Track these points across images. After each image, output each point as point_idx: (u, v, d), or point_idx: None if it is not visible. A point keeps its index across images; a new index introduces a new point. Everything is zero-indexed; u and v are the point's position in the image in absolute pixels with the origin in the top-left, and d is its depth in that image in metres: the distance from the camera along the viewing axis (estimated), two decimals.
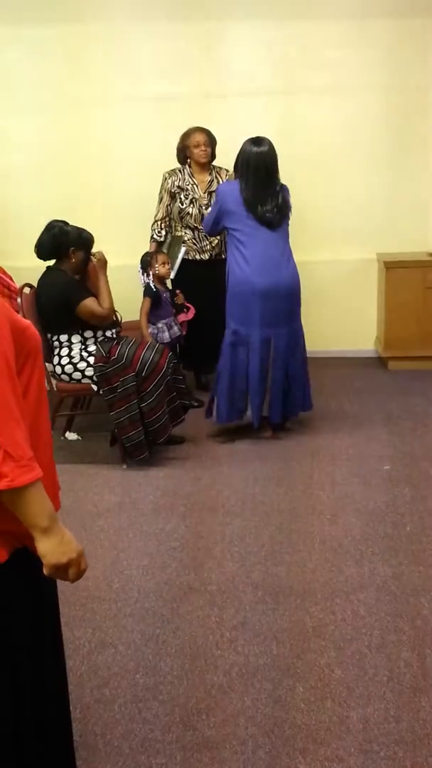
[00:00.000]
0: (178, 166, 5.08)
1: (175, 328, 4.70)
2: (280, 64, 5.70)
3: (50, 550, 1.44)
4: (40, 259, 4.07)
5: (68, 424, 4.57)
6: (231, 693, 2.32)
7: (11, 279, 1.60)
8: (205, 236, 4.99)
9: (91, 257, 4.15)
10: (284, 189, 4.20)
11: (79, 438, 4.48)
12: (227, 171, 5.02)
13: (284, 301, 4.15)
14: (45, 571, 1.47)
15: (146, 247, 5.11)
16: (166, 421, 4.06)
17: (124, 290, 5.28)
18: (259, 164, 4.08)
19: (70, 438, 4.48)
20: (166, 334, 4.62)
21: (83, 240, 4.06)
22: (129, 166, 5.78)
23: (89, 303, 3.98)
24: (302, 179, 5.75)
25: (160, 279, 4.72)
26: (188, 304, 4.86)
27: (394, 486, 3.75)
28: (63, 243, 4.00)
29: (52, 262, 4.13)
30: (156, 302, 4.64)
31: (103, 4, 5.61)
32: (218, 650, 2.52)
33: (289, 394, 4.30)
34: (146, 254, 4.82)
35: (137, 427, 3.97)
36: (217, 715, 2.23)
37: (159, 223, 5.11)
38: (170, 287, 4.90)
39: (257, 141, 4.13)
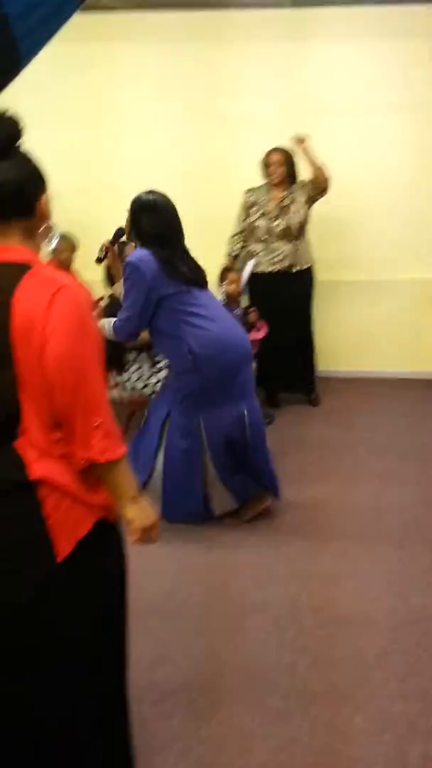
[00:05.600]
0: (259, 183, 5.14)
1: None
2: (358, 83, 5.67)
3: (138, 515, 1.67)
4: None
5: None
6: (288, 719, 2.31)
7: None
8: (276, 248, 5.06)
9: None
10: None
11: None
12: (303, 183, 5.07)
13: (248, 368, 3.61)
14: (134, 536, 1.69)
15: (212, 264, 5.12)
16: None
17: None
18: (171, 221, 3.41)
19: None
20: None
21: None
22: (206, 184, 5.83)
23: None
24: (375, 197, 5.72)
25: (232, 296, 4.75)
26: (260, 323, 4.87)
27: None
28: None
29: None
30: None
31: (181, 24, 5.70)
32: (278, 673, 2.51)
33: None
34: (222, 269, 4.88)
35: None
36: (273, 741, 2.22)
37: (235, 238, 5.19)
38: (243, 305, 4.92)
39: (143, 194, 3.43)
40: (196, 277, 3.32)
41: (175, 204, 3.37)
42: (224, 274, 4.84)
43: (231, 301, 4.77)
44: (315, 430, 4.87)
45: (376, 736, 2.23)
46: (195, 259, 3.40)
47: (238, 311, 4.79)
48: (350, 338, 5.96)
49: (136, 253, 3.27)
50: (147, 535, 1.70)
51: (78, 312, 1.53)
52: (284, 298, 5.08)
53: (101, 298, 4.19)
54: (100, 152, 6.03)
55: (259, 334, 4.91)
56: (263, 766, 2.12)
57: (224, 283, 4.77)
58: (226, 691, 2.42)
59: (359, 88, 5.68)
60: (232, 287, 4.76)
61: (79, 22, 5.70)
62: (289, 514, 3.67)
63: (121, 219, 5.76)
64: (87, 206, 5.93)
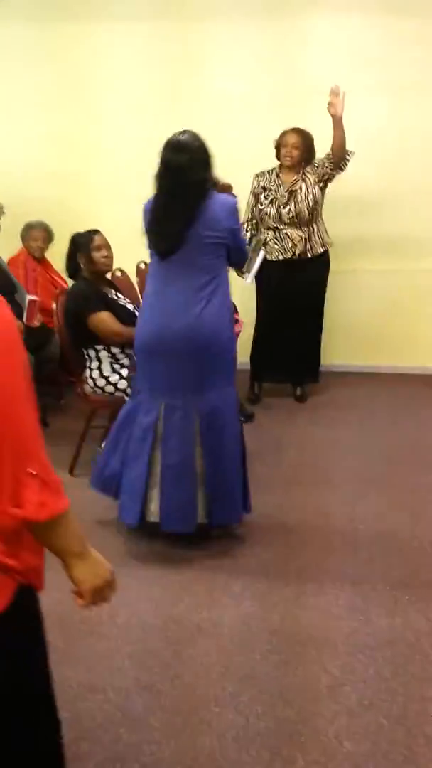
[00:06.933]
0: (269, 167, 4.90)
1: None
2: (372, 61, 5.36)
3: (87, 574, 1.37)
4: (70, 276, 4.00)
5: (106, 435, 4.38)
6: (221, 761, 2.06)
7: (63, 279, 1.43)
8: (287, 234, 4.84)
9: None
10: (211, 204, 2.94)
11: None
12: (315, 162, 4.81)
13: (174, 363, 2.98)
14: (83, 599, 1.39)
15: None
16: None
17: None
18: (167, 162, 2.97)
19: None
20: None
21: (81, 242, 3.82)
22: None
23: (104, 317, 3.72)
24: (383, 184, 5.41)
25: None
26: (237, 316, 4.61)
27: None
28: (72, 252, 3.85)
29: None
30: None
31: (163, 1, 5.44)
32: (217, 707, 2.26)
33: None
34: None
35: None
36: None
37: (244, 225, 4.93)
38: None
39: (181, 132, 3.01)
40: (160, 242, 2.97)
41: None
42: None
43: None
44: (297, 429, 4.61)
45: None
46: (187, 220, 2.90)
47: None
48: (349, 330, 5.69)
49: None
50: (99, 596, 1.39)
51: (5, 331, 1.23)
52: (296, 286, 4.89)
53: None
54: (78, 137, 5.79)
55: (236, 328, 4.66)
56: None
57: None
58: (156, 728, 2.17)
59: (366, 65, 5.35)
60: None
61: (54, 2, 5.54)
62: (250, 524, 3.40)
63: (98, 206, 5.55)
64: (63, 192, 5.70)
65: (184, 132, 2.97)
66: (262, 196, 4.86)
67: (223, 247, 2.98)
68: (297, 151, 4.75)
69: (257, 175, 4.91)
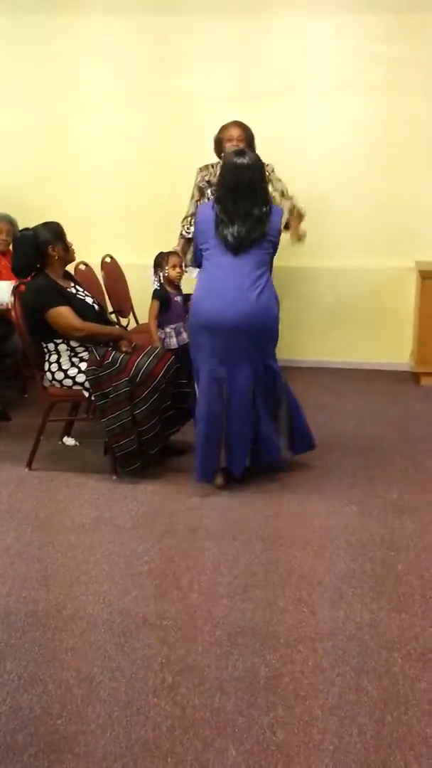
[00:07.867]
0: (214, 161, 4.85)
1: (184, 335, 4.46)
2: (322, 61, 5.41)
3: None
4: (23, 276, 3.93)
5: (68, 428, 4.40)
6: (154, 751, 2.09)
7: None
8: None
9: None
10: (272, 211, 3.63)
11: (77, 444, 4.31)
12: (276, 179, 4.78)
13: (235, 337, 3.54)
14: None
15: (167, 245, 4.89)
16: (160, 430, 3.85)
17: (140, 290, 5.14)
18: (234, 180, 3.58)
19: (67, 443, 4.31)
20: (174, 340, 4.39)
21: (54, 232, 3.85)
22: (153, 163, 5.62)
23: (63, 311, 3.76)
24: (339, 181, 5.49)
25: (172, 281, 4.50)
26: None
27: (396, 516, 3.45)
28: (41, 245, 3.82)
29: None
30: (165, 305, 4.42)
31: None
32: (155, 698, 2.29)
33: (257, 443, 3.74)
34: (159, 254, 4.61)
35: (129, 435, 3.77)
36: None
37: (188, 219, 4.90)
38: (183, 291, 4.67)
39: (238, 154, 3.67)
40: (235, 241, 3.54)
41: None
42: (165, 257, 4.58)
43: (171, 286, 4.53)
44: None
45: None
46: (254, 224, 3.55)
47: (178, 298, 4.55)
48: (305, 326, 5.75)
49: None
50: None
51: None
52: None
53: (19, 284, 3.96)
54: (51, 130, 5.81)
55: None
56: None
57: (167, 267, 4.51)
58: (92, 720, 2.19)
59: (321, 65, 5.43)
60: (175, 271, 4.51)
61: None
62: (203, 522, 3.45)
63: (72, 200, 5.54)
64: (36, 186, 5.71)
65: (241, 153, 3.68)
66: (208, 191, 4.77)
67: (273, 245, 3.65)
68: (243, 144, 4.64)
69: (201, 169, 4.84)
